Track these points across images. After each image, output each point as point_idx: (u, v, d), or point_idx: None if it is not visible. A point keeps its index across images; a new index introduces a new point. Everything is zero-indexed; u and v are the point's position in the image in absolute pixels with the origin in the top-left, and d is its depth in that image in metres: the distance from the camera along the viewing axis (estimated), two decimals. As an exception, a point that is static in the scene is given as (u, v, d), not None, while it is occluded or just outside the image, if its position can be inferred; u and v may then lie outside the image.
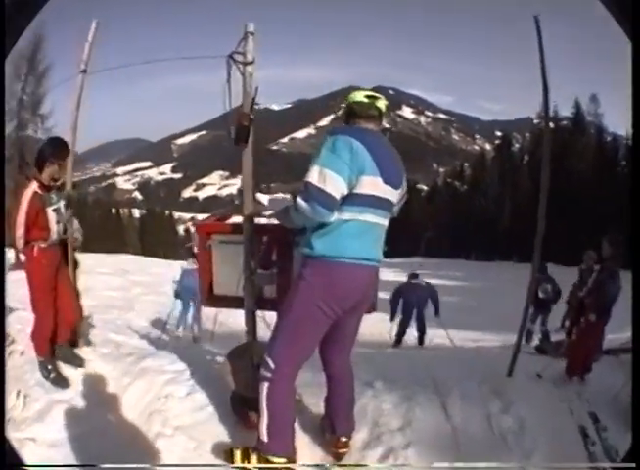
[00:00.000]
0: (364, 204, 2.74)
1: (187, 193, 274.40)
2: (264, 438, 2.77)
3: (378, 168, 2.72)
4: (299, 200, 2.63)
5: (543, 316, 10.09)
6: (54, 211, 4.18)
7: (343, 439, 3.09)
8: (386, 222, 2.94)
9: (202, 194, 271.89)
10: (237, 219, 3.86)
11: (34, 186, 4.07)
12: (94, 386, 3.93)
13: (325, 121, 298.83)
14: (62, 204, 4.28)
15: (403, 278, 12.05)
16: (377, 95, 3.01)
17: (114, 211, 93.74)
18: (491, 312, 13.77)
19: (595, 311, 5.35)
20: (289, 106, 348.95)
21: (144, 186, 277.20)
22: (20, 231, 3.94)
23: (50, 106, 30.33)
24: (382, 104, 3.00)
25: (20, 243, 4.00)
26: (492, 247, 49.22)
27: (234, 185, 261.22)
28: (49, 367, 4.07)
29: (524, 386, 4.22)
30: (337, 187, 2.62)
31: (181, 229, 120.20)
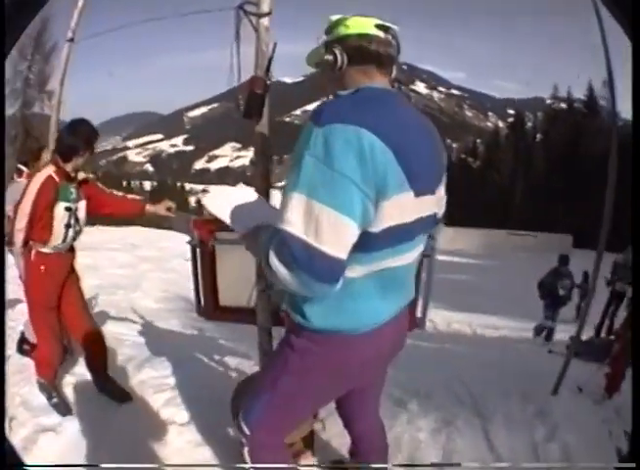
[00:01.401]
0: (389, 244, 1.59)
1: (199, 165, 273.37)
2: None
3: (407, 176, 1.49)
4: (276, 263, 1.44)
5: (555, 313, 9.37)
6: (66, 209, 3.21)
7: None
8: (423, 245, 1.83)
9: (214, 165, 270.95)
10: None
11: (50, 170, 3.14)
12: (85, 409, 3.35)
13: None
14: (81, 204, 3.33)
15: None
16: (387, 23, 1.69)
17: (124, 183, 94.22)
18: (509, 295, 13.24)
19: None
20: (302, 79, 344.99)
21: (155, 158, 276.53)
22: (22, 223, 3.05)
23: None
24: (394, 34, 1.72)
25: (18, 238, 3.08)
26: (505, 224, 48.67)
27: (246, 157, 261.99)
28: (52, 393, 3.36)
29: (568, 405, 3.77)
30: (345, 240, 1.43)
31: (192, 201, 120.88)
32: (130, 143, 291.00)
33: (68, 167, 3.20)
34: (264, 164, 2.66)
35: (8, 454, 1.62)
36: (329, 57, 1.69)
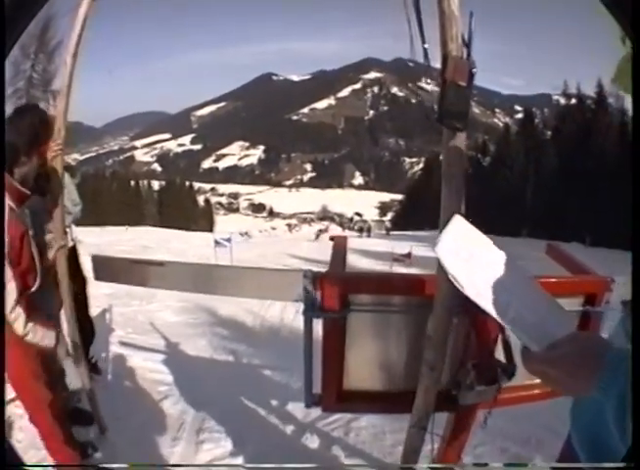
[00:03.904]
0: None
1: (207, 164, 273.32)
2: None
3: None
4: None
5: None
6: (35, 236, 2.45)
7: None
8: None
9: (222, 164, 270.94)
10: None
11: (6, 199, 2.23)
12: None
13: (345, 92, 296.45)
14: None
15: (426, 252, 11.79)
16: None
17: (132, 183, 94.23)
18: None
19: None
20: (308, 77, 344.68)
21: (163, 158, 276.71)
22: (12, 297, 2.17)
23: (62, 81, 30.51)
24: None
25: (20, 322, 2.25)
26: (519, 222, 48.23)
27: (254, 155, 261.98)
28: None
29: None
30: None
31: (201, 200, 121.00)
32: (138, 143, 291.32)
33: (18, 179, 2.39)
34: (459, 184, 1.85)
35: (8, 454, 1.46)
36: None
